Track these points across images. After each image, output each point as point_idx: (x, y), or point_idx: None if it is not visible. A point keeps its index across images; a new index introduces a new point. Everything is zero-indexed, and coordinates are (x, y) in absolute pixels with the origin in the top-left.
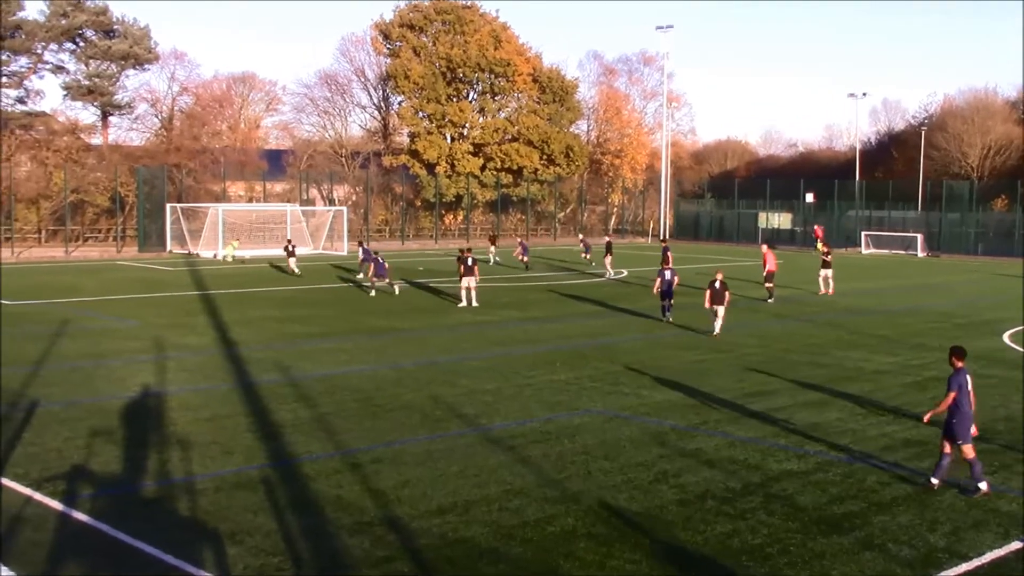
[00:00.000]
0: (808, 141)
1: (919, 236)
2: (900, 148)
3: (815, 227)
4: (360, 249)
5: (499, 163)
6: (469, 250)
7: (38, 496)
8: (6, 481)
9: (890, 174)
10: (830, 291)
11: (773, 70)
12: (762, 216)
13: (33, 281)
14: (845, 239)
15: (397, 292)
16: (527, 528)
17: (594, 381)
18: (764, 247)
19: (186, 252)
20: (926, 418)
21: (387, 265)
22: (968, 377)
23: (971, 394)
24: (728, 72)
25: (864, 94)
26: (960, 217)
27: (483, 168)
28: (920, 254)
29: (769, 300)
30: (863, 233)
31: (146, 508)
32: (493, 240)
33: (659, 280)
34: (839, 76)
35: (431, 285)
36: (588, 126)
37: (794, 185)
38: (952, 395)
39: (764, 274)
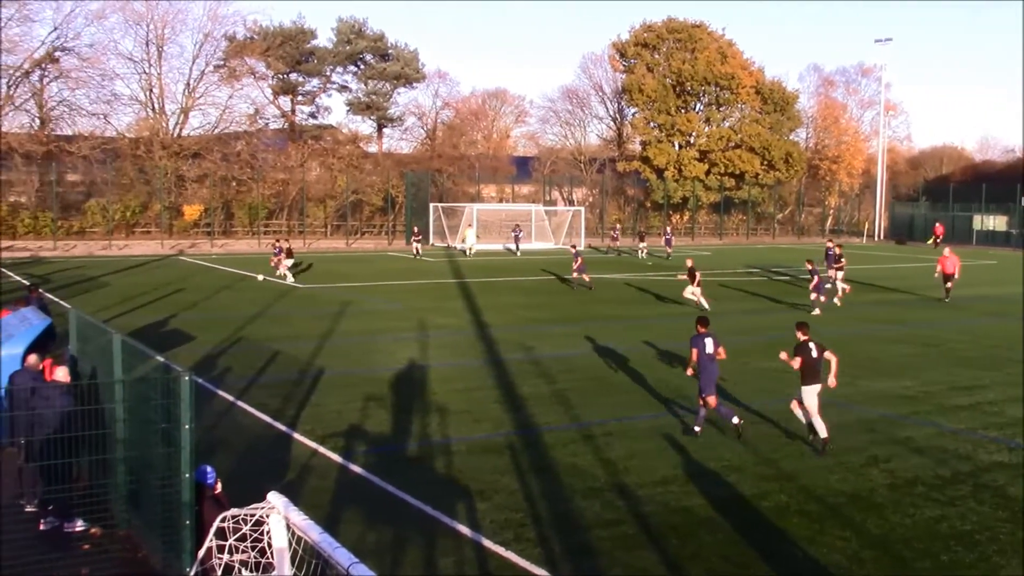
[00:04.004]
0: None
1: None
2: None
3: (937, 223)
4: (274, 247)
5: (722, 168)
6: (280, 243)
7: (322, 450)
8: (297, 436)
9: None
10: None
11: (990, 77)
12: (976, 219)
13: (320, 268)
14: None
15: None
16: (743, 502)
17: None
18: (947, 250)
19: (445, 245)
20: (688, 372)
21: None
22: (708, 340)
23: (715, 354)
24: (945, 80)
25: None
26: None
27: (707, 173)
28: None
29: (944, 299)
30: None
31: (409, 465)
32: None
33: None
34: None
35: (654, 277)
36: (807, 134)
37: (1011, 189)
38: (695, 351)
39: (943, 275)
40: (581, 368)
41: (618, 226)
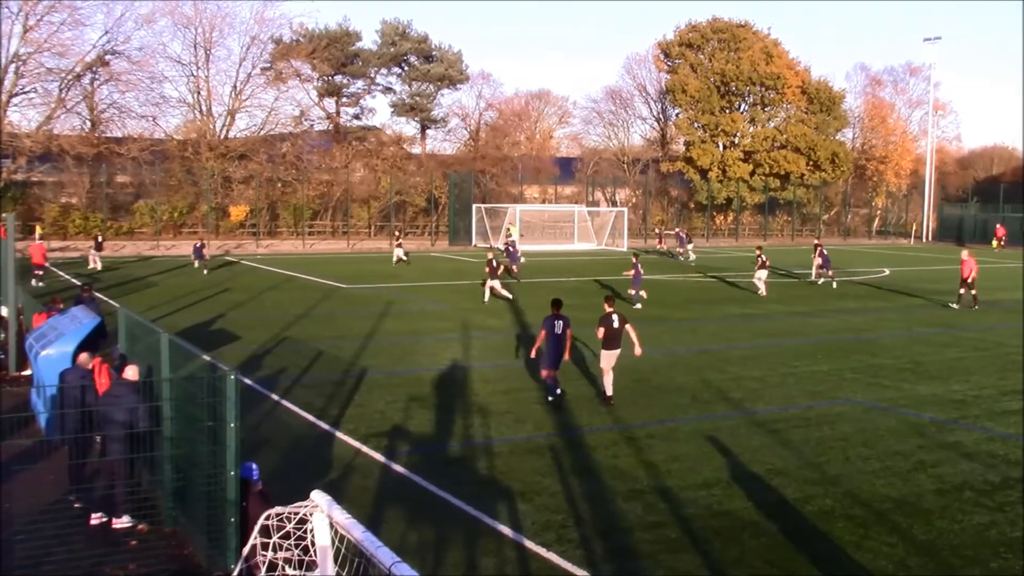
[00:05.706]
0: None
1: None
2: None
3: (998, 225)
4: (194, 247)
5: (767, 168)
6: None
7: (365, 449)
8: (340, 435)
9: None
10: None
11: None
12: None
13: (364, 269)
14: None
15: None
16: (787, 506)
17: (855, 373)
18: (965, 252)
19: (488, 246)
20: (532, 353)
21: (206, 255)
22: (557, 322)
23: (561, 336)
24: (995, 79)
25: None
26: None
27: (752, 173)
28: None
29: (973, 307)
30: None
31: (451, 465)
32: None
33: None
34: None
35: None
36: (853, 134)
37: None
38: (543, 332)
39: (967, 279)
40: (624, 370)
41: (657, 229)
